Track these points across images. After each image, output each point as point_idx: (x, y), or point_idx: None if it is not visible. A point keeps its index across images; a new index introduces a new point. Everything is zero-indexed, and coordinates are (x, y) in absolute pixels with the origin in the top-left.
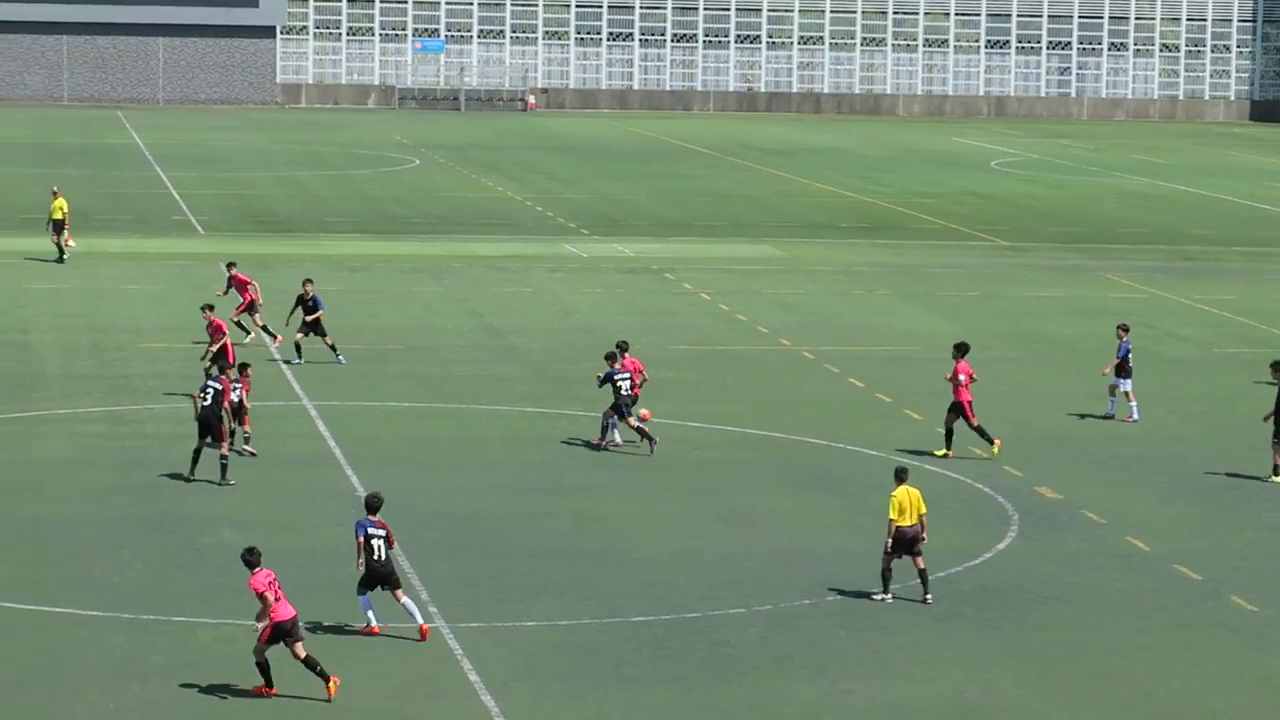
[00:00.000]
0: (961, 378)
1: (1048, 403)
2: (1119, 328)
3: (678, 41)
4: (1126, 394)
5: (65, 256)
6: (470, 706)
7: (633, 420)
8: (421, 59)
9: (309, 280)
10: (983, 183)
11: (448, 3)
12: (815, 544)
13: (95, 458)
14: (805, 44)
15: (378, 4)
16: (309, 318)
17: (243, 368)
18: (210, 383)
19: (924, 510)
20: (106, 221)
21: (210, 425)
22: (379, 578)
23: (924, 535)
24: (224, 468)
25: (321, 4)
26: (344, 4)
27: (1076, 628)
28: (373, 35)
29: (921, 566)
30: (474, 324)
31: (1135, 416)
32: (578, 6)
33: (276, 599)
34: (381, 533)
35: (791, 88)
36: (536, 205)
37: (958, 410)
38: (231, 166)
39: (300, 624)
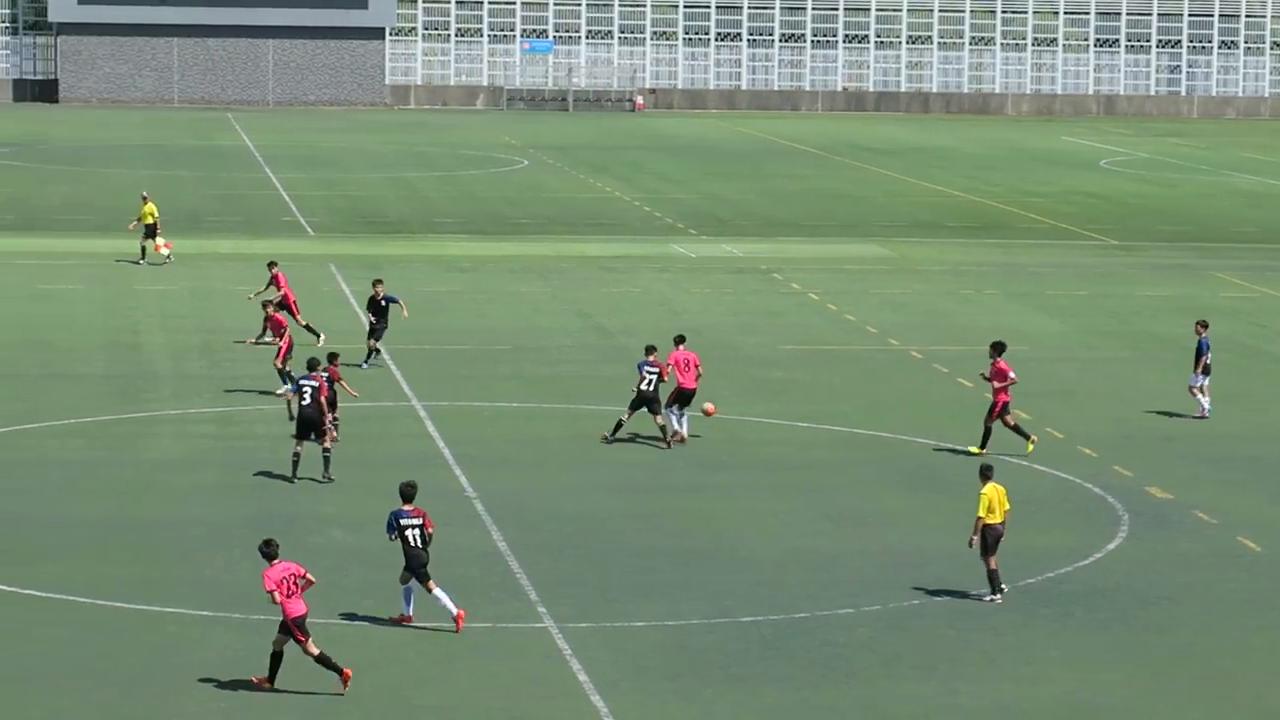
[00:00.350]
0: (1012, 375)
1: (1157, 402)
2: (1198, 324)
3: (786, 41)
4: (1200, 389)
5: (145, 260)
6: (579, 707)
7: (659, 418)
8: (530, 60)
9: (379, 281)
10: (1092, 182)
11: (556, 3)
12: (923, 544)
13: (206, 458)
14: (914, 43)
15: (486, 5)
16: (376, 319)
17: (332, 357)
18: (306, 381)
19: (1008, 507)
20: (217, 223)
21: (312, 423)
22: (413, 567)
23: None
24: (327, 461)
25: (430, 5)
26: (453, 5)
27: (1187, 628)
28: (481, 36)
29: (993, 566)
30: (582, 324)
31: (1206, 412)
32: (686, 7)
33: (288, 595)
34: (418, 521)
35: (900, 87)
36: (644, 205)
37: (994, 408)
38: (341, 168)
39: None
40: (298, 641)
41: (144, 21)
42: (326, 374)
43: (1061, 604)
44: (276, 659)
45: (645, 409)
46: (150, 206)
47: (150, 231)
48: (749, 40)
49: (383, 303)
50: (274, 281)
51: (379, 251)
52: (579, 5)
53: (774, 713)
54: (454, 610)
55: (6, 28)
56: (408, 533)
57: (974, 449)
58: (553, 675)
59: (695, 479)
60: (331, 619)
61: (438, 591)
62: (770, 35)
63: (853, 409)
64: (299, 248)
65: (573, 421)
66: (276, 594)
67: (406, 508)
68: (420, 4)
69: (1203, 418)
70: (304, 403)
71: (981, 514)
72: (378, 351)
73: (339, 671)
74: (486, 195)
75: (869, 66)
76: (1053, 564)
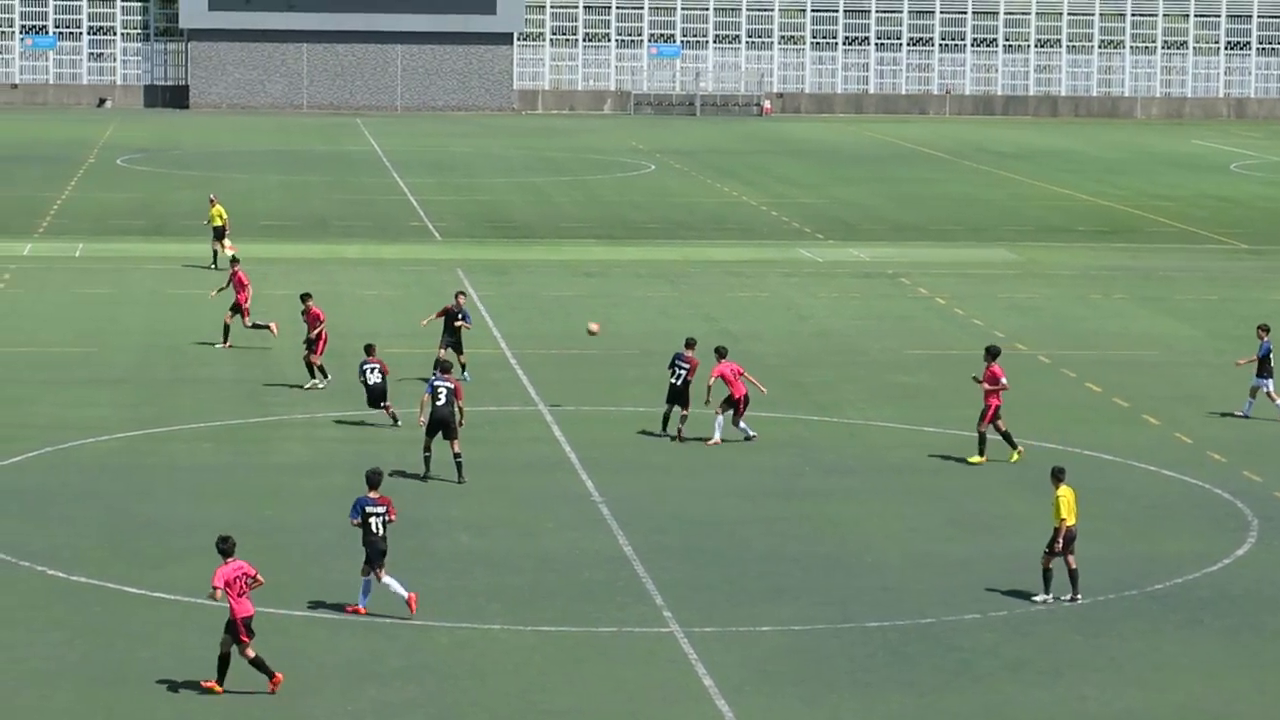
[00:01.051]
0: (1004, 380)
1: None
2: (1259, 328)
3: (914, 45)
4: (1269, 394)
5: (216, 265)
6: (704, 711)
7: (685, 411)
8: (657, 64)
9: (461, 293)
10: (1222, 185)
11: (684, 8)
12: None
13: (333, 462)
14: (1042, 47)
15: (614, 10)
16: (450, 335)
17: (369, 348)
18: (440, 382)
19: (1076, 510)
20: (345, 227)
21: (447, 424)
22: (371, 555)
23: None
24: (460, 466)
25: (558, 10)
26: (581, 10)
27: None
28: (609, 41)
29: (1074, 566)
30: (709, 328)
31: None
32: (814, 11)
33: (239, 595)
34: (382, 509)
35: (1028, 91)
36: (771, 210)
37: (986, 413)
38: (468, 172)
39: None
40: (238, 642)
41: (274, 28)
42: (374, 365)
43: (1190, 610)
44: (224, 661)
45: (678, 403)
46: (219, 209)
47: (219, 234)
48: (877, 44)
49: (459, 314)
50: (233, 280)
51: (506, 256)
52: (706, 9)
53: (899, 718)
54: (404, 594)
55: (138, 34)
56: (371, 520)
57: (973, 458)
58: (678, 680)
59: (823, 484)
60: (458, 623)
61: (388, 579)
62: (898, 39)
63: (980, 413)
64: (426, 252)
65: (699, 426)
66: (222, 591)
67: (372, 495)
68: (548, 9)
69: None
70: (439, 403)
71: (1065, 516)
72: (464, 366)
73: (270, 675)
74: (613, 199)
75: (997, 70)
76: (1181, 570)
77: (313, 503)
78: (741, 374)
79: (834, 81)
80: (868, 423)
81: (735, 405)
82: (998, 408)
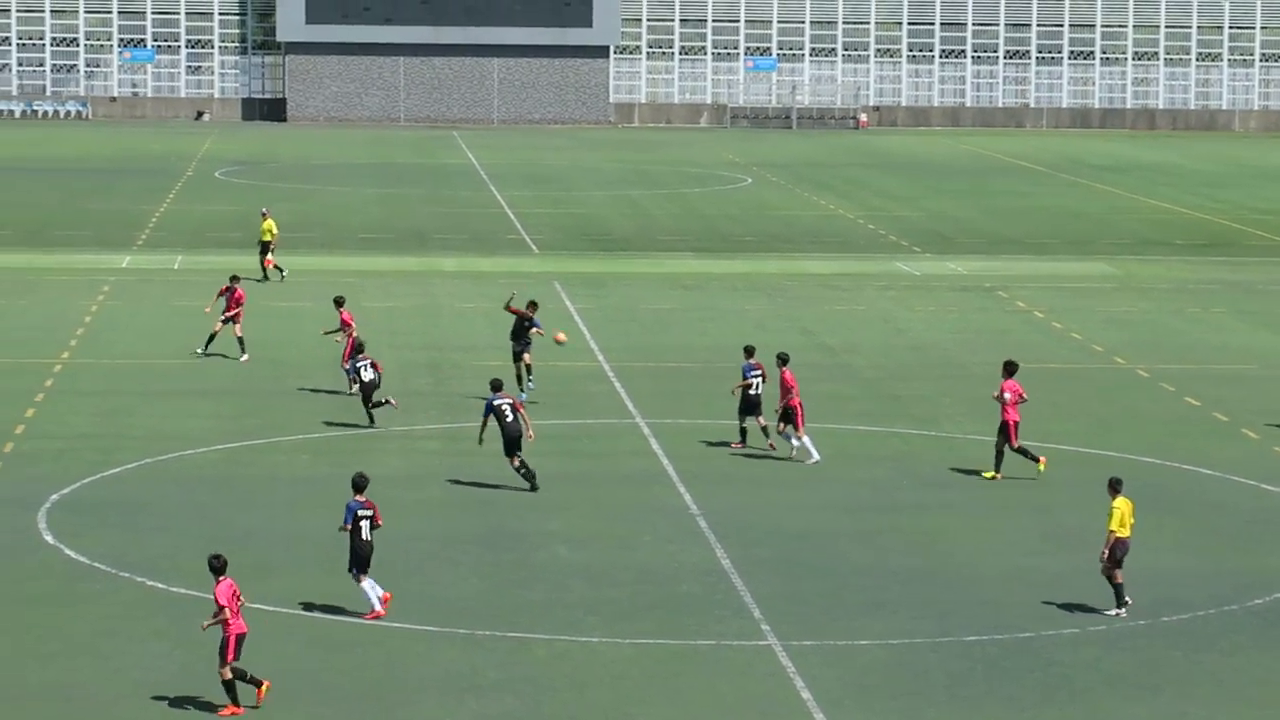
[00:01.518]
0: (1008, 395)
1: None
2: None
3: (1010, 58)
4: None
5: (269, 277)
6: None
7: (762, 419)
8: (753, 77)
9: (534, 303)
10: None
11: (780, 21)
12: (1150, 563)
13: (431, 474)
14: (1140, 59)
15: (711, 23)
16: (521, 342)
17: (361, 345)
18: (500, 400)
19: (1133, 521)
20: (443, 241)
21: (516, 440)
22: (359, 559)
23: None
24: (528, 475)
25: (655, 23)
26: (677, 23)
27: None
28: (705, 54)
29: (1120, 580)
30: (806, 341)
31: None
32: (910, 24)
33: (236, 613)
34: (370, 513)
35: (1126, 104)
36: (868, 223)
37: (1005, 431)
38: (565, 185)
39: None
40: (223, 656)
41: (371, 41)
42: (366, 360)
43: None
44: (230, 686)
45: (751, 413)
46: (269, 223)
47: (265, 248)
48: (974, 57)
49: (529, 324)
50: (224, 294)
51: (603, 269)
52: (803, 23)
53: None
54: (376, 608)
55: (236, 47)
56: (362, 524)
57: (988, 474)
58: (776, 693)
59: (921, 497)
60: (556, 635)
61: (367, 584)
62: (995, 52)
63: (1078, 427)
64: (524, 265)
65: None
66: (229, 607)
67: (360, 499)
68: (645, 22)
69: None
70: (508, 420)
71: (1114, 528)
72: (529, 369)
73: (234, 702)
74: (710, 213)
75: (1094, 83)
76: None
77: (410, 515)
78: (793, 389)
79: (930, 95)
80: (965, 436)
81: (792, 416)
82: (1017, 423)
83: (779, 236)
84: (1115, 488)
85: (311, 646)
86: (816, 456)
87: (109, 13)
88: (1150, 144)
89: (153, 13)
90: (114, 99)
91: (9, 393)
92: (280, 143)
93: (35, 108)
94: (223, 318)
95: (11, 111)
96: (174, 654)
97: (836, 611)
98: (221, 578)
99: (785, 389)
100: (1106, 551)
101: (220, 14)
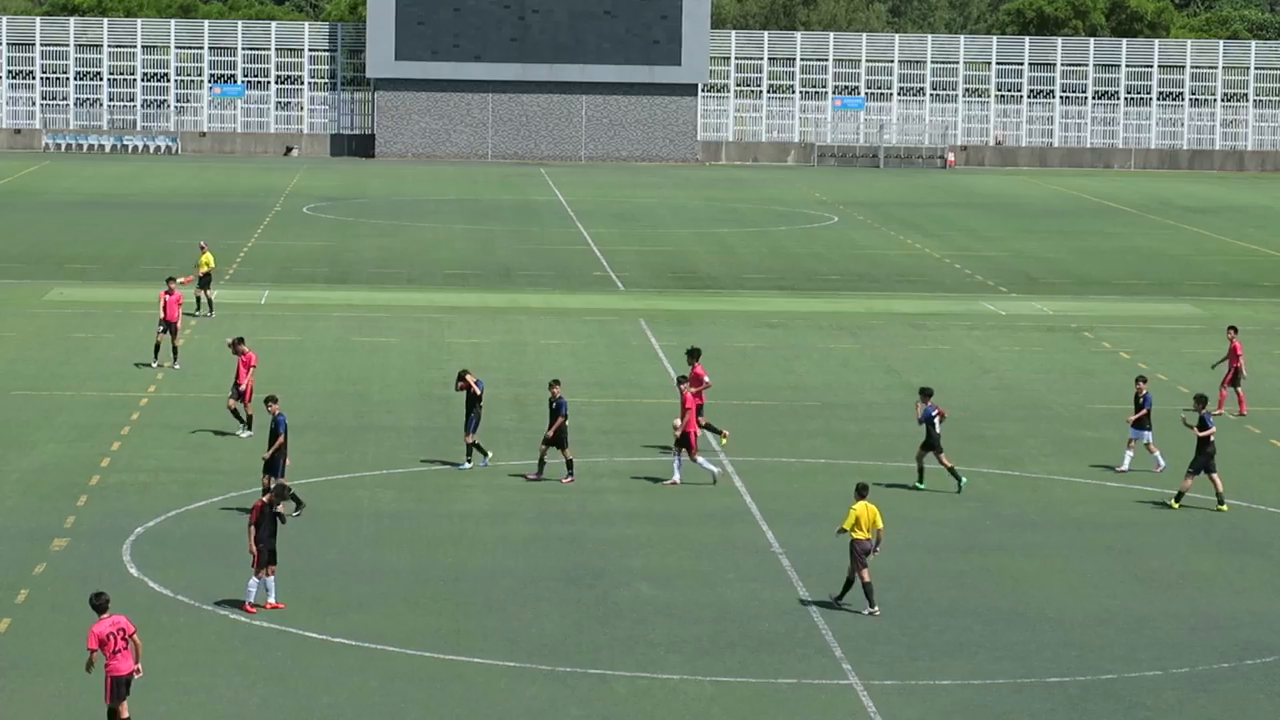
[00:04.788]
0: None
1: None
2: (1138, 380)
3: (1099, 98)
4: (1147, 446)
5: (207, 309)
6: None
7: (945, 459)
8: (841, 116)
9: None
10: None
11: (868, 60)
12: (1234, 607)
13: (514, 510)
14: (1229, 101)
15: (799, 62)
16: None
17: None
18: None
19: (879, 526)
20: (530, 277)
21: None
22: (271, 555)
23: (877, 549)
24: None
25: (743, 61)
26: (765, 61)
27: None
28: (793, 93)
29: (867, 580)
30: (891, 381)
31: (1161, 466)
32: (998, 64)
33: (114, 653)
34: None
35: (1214, 145)
36: (955, 263)
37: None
38: (652, 223)
39: (132, 683)
40: (108, 703)
41: (460, 78)
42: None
43: None
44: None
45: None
46: (207, 256)
47: (204, 282)
48: (1062, 97)
49: (555, 405)
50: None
51: (689, 307)
52: (891, 62)
53: None
54: (259, 599)
55: (325, 83)
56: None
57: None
58: None
59: (1005, 538)
60: (637, 673)
61: (270, 580)
62: (1083, 93)
63: (1164, 470)
64: (609, 302)
65: (881, 478)
66: (102, 650)
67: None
68: (733, 60)
69: (1161, 470)
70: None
71: (846, 526)
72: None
73: None
74: (797, 251)
75: (1183, 124)
76: None
77: (494, 551)
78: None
79: (1018, 134)
80: (1050, 477)
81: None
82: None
83: (865, 275)
84: (860, 493)
85: (394, 681)
86: (677, 478)
87: (200, 48)
88: (1239, 185)
89: (243, 48)
90: (204, 134)
91: (96, 426)
92: (368, 178)
93: (125, 142)
94: (160, 325)
95: (102, 146)
96: (255, 687)
97: (919, 651)
98: (103, 616)
99: (685, 410)
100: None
101: (310, 50)
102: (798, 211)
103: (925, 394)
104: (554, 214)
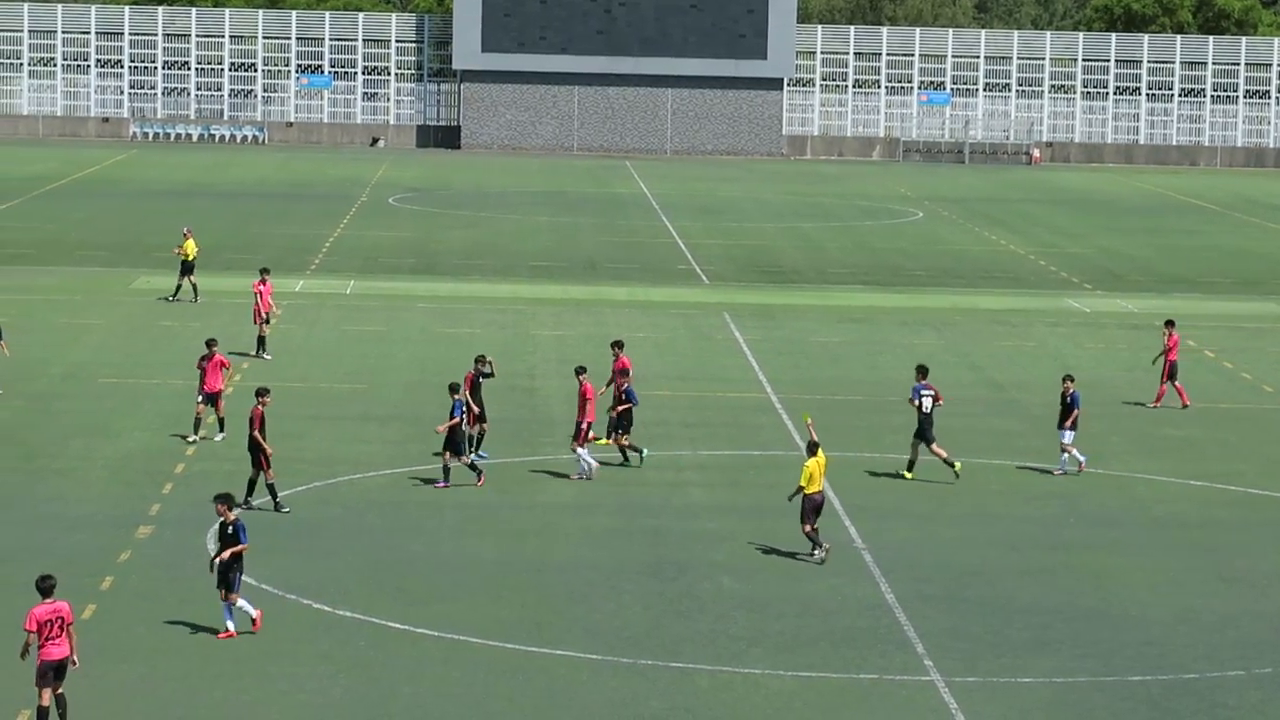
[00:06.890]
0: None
1: None
2: (1065, 379)
3: (1185, 96)
4: (1064, 446)
5: (193, 297)
6: None
7: (938, 449)
8: (926, 111)
9: (618, 343)
10: None
11: (954, 55)
12: None
13: (599, 502)
14: None
15: (884, 57)
16: (619, 409)
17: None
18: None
19: (823, 477)
20: (615, 270)
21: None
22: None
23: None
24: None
25: (829, 55)
26: (851, 56)
27: None
28: (878, 88)
29: (812, 529)
30: (974, 377)
31: (1062, 470)
32: (1085, 60)
33: (49, 638)
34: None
35: None
36: (1039, 259)
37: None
38: (736, 217)
39: (66, 669)
40: (38, 686)
41: (546, 70)
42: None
43: None
44: (43, 713)
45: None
46: (189, 243)
47: (187, 269)
48: (1148, 94)
49: (626, 394)
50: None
51: (773, 300)
52: (977, 58)
53: None
54: (253, 613)
55: (412, 75)
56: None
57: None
58: None
59: (1089, 536)
60: (719, 667)
61: (242, 601)
62: (1170, 90)
63: (1249, 468)
64: (694, 295)
65: (964, 474)
66: (38, 634)
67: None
68: (819, 55)
69: (1080, 472)
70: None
71: (803, 483)
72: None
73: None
74: (881, 246)
75: (1269, 122)
76: None
77: (577, 543)
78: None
79: (1104, 131)
80: (1134, 475)
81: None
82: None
83: (949, 271)
84: (812, 450)
85: (476, 673)
86: (586, 468)
87: (288, 38)
88: None
89: (330, 39)
90: (290, 124)
91: (181, 414)
92: (454, 170)
93: (212, 132)
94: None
95: (189, 135)
96: (338, 677)
97: (1001, 648)
98: (46, 600)
99: (585, 400)
100: (797, 499)
101: (397, 41)
102: (882, 207)
103: (921, 371)
104: (639, 207)
